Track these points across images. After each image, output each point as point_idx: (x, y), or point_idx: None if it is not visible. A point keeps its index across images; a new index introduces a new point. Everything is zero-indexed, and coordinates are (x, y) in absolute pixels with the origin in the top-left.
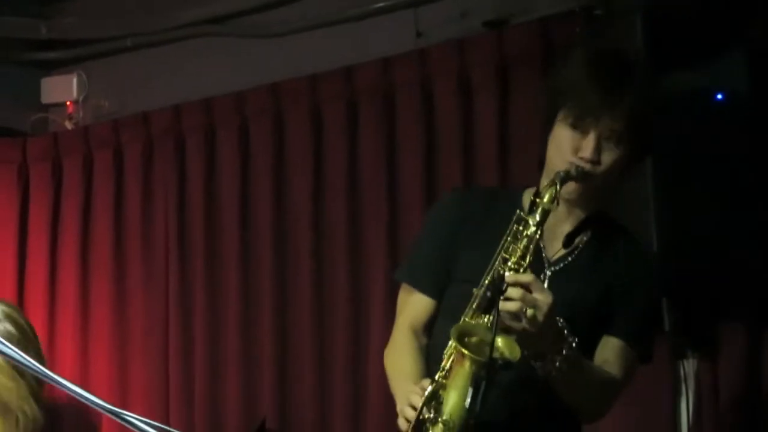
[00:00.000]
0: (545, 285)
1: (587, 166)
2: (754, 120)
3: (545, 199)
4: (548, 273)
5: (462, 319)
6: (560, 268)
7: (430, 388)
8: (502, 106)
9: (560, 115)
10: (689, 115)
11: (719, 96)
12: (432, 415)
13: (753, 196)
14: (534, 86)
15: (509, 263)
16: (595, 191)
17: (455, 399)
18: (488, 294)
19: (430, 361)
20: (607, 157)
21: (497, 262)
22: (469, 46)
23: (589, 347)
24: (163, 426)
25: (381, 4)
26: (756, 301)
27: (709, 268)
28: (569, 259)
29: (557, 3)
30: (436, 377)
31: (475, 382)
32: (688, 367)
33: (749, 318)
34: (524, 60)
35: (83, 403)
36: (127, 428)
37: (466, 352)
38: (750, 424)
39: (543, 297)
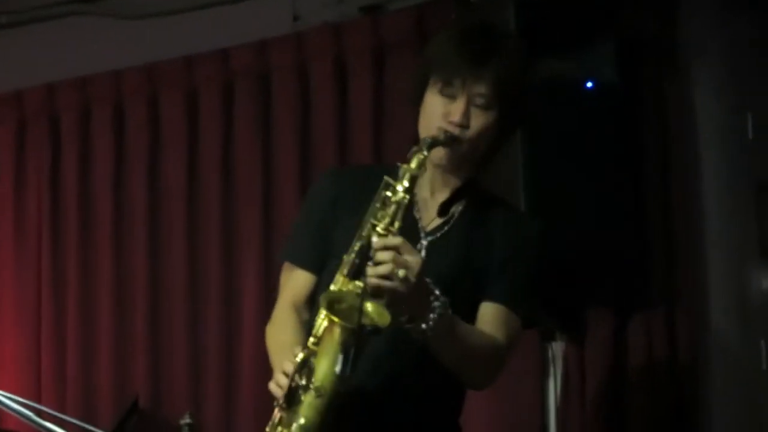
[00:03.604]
0: (422, 255)
1: (456, 131)
2: (621, 107)
3: (413, 165)
4: (425, 243)
5: (332, 286)
6: (436, 238)
7: (301, 355)
8: (377, 90)
9: (429, 84)
10: (560, 102)
11: (589, 84)
12: (303, 383)
13: (620, 182)
14: (409, 71)
15: (378, 229)
16: (465, 157)
17: (325, 366)
18: (356, 260)
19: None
20: (476, 122)
21: (366, 229)
22: (346, 30)
23: (469, 314)
24: (33, 404)
25: None
26: (622, 286)
27: (577, 253)
28: (445, 228)
29: None
30: (308, 345)
31: (345, 348)
32: (556, 349)
33: (615, 302)
34: (400, 45)
35: None
36: None
37: (335, 319)
38: (615, 404)
39: (412, 258)
